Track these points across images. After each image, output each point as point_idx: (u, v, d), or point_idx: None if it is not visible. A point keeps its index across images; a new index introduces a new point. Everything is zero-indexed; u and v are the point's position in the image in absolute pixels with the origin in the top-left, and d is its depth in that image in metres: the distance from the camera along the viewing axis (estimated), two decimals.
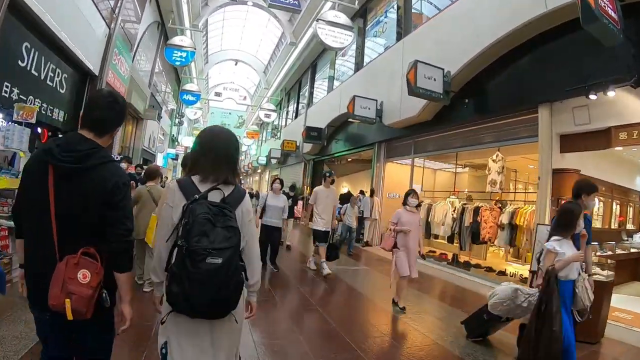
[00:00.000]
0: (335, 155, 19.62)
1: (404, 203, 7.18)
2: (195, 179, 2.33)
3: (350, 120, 13.52)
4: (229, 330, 2.34)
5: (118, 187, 2.23)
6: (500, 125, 9.77)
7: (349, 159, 20.99)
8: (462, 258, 11.15)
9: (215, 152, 2.38)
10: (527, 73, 8.63)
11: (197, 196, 2.19)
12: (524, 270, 9.30)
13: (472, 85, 10.05)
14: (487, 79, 9.69)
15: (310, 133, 18.68)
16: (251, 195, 28.55)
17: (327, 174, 9.67)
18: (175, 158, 32.18)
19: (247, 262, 2.34)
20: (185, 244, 2.03)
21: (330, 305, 7.31)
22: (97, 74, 11.53)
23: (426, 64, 9.42)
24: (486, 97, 9.81)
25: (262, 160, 36.27)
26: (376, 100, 13.02)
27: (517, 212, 9.42)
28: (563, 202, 8.22)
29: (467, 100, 10.11)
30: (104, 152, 2.28)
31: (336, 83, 19.68)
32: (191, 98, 25.69)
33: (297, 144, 23.62)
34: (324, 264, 9.12)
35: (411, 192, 7.28)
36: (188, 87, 25.86)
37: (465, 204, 10.97)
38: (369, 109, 12.82)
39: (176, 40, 18.14)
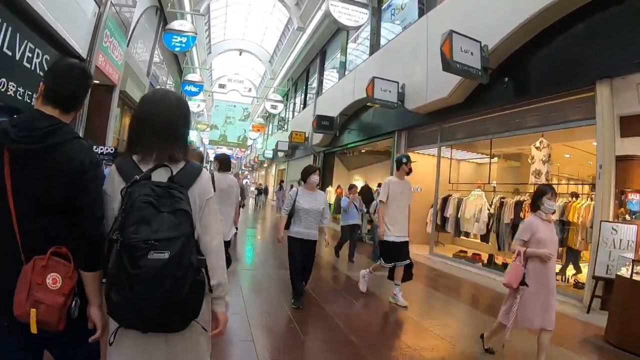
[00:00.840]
0: (349, 146, 18.33)
1: (536, 208, 4.41)
2: (135, 158, 1.96)
3: (369, 104, 12.11)
4: (191, 347, 1.95)
5: (85, 166, 1.90)
6: (546, 107, 8.47)
7: (362, 150, 19.70)
8: (500, 259, 9.87)
9: (157, 124, 1.98)
10: (581, 45, 7.35)
11: (137, 177, 1.81)
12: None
13: (512, 61, 8.75)
14: (530, 54, 8.39)
15: (321, 122, 17.42)
16: (259, 191, 27.41)
17: (404, 160, 7.00)
18: None
19: (206, 258, 1.92)
20: (120, 237, 1.67)
21: None
22: (85, 57, 10.31)
23: (462, 35, 8.12)
24: (529, 75, 8.50)
25: (269, 153, 35.10)
26: (397, 83, 11.73)
27: (569, 207, 8.14)
28: (629, 194, 7.07)
29: (506, 79, 8.78)
30: (68, 128, 1.98)
31: (348, 69, 18.33)
32: (193, 89, 24.51)
33: (306, 135, 22.36)
34: (399, 293, 6.65)
35: (548, 190, 4.34)
36: (190, 77, 24.65)
37: (502, 197, 9.70)
38: (390, 92, 11.53)
39: (175, 24, 16.95)
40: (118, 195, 1.82)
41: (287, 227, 6.16)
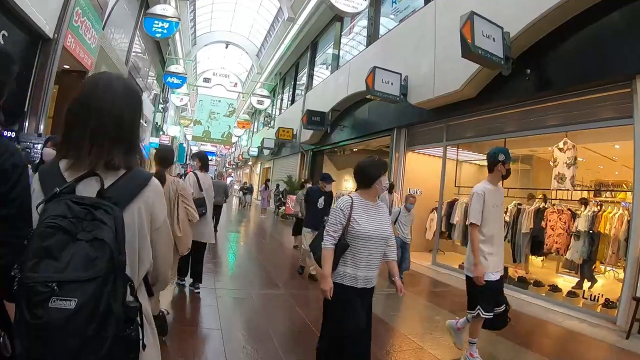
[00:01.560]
0: (340, 144, 17.25)
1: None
2: (63, 164, 1.45)
3: (369, 97, 10.95)
4: None
5: (5, 171, 1.42)
6: (572, 104, 7.49)
7: (354, 149, 18.63)
8: (515, 272, 8.86)
9: (92, 118, 1.43)
10: (618, 35, 6.38)
11: (57, 189, 1.31)
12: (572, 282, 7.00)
13: (536, 52, 7.71)
14: (556, 44, 7.37)
15: (312, 118, 16.33)
16: (244, 191, 26.13)
17: (501, 157, 4.48)
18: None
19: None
20: (18, 274, 1.22)
21: None
22: (51, 36, 9.13)
23: (484, 18, 7.07)
24: (554, 67, 7.45)
25: (254, 151, 33.95)
26: (400, 75, 10.66)
27: (599, 217, 7.17)
28: None
29: (528, 71, 7.76)
30: None
31: (342, 62, 17.23)
32: (176, 81, 23.32)
33: (294, 132, 21.25)
34: (476, 353, 4.49)
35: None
36: (173, 68, 23.40)
37: (519, 204, 8.71)
38: (392, 84, 10.45)
39: (157, 9, 15.74)
40: (36, 213, 1.35)
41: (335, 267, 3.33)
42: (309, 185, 11.31)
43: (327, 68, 19.55)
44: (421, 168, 12.36)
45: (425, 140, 11.65)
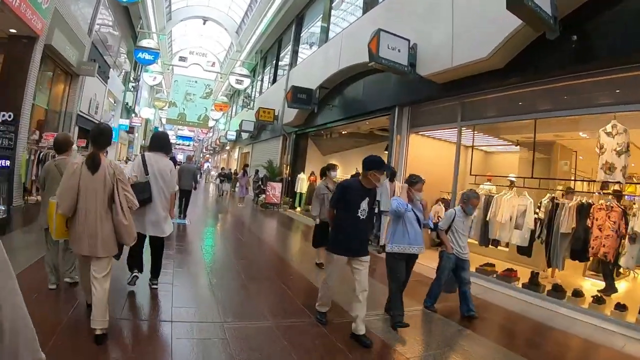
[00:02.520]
0: (328, 125, 15.57)
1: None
2: None
3: (372, 66, 9.05)
4: None
5: None
6: (626, 80, 5.98)
7: (343, 132, 17.02)
8: (547, 279, 7.41)
9: None
10: None
11: None
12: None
13: (584, 15, 6.17)
14: (612, 5, 5.84)
15: (297, 95, 14.59)
16: (222, 178, 23.90)
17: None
18: (131, 131, 27.63)
19: None
20: None
21: None
22: None
23: None
24: (608, 34, 5.92)
25: (232, 135, 32.08)
26: (408, 41, 9.01)
27: None
28: None
29: (574, 37, 6.23)
30: None
31: (332, 34, 15.51)
32: (148, 57, 21.39)
33: (276, 113, 19.51)
34: None
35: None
36: (145, 43, 21.39)
37: (554, 197, 7.24)
38: (399, 51, 8.76)
39: None
40: None
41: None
42: (333, 173, 8.03)
43: (311, 47, 17.86)
44: (426, 153, 10.84)
45: (433, 121, 10.07)
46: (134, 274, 5.26)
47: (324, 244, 6.37)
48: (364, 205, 4.58)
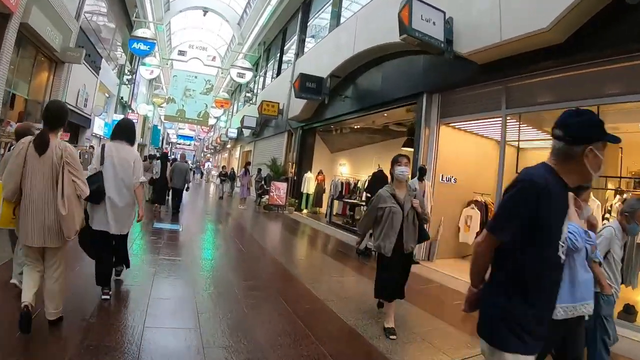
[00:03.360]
0: (339, 119, 14.06)
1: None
2: None
3: (404, 40, 7.36)
4: None
5: None
6: None
7: (355, 126, 15.48)
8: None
9: None
10: None
11: None
12: None
13: None
14: None
15: (306, 84, 13.08)
16: (222, 178, 22.17)
17: None
18: None
19: None
20: None
21: None
22: None
23: None
24: None
25: (233, 132, 30.59)
26: (443, 13, 7.49)
27: None
28: None
29: None
30: None
31: (343, 19, 13.99)
32: (143, 47, 19.98)
33: (280, 107, 18.03)
34: None
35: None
36: (140, 33, 19.96)
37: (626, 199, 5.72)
38: (434, 24, 7.19)
39: None
40: None
41: None
42: (400, 170, 4.67)
43: (318, 36, 16.43)
44: (456, 148, 9.36)
45: (470, 109, 8.45)
46: (104, 295, 4.46)
47: (398, 294, 4.64)
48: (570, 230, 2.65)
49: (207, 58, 27.77)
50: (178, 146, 70.42)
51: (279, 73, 21.38)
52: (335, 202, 14.68)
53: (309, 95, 13.02)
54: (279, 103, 17.91)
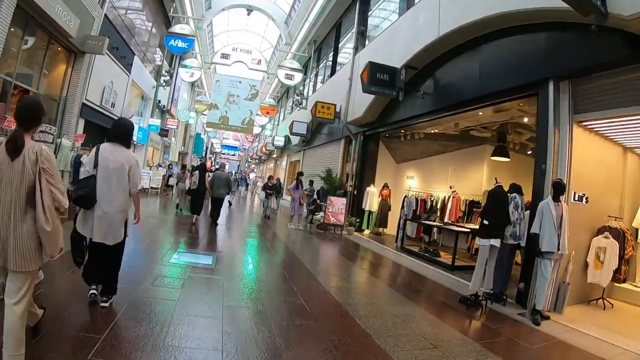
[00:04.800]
0: (414, 121, 11.38)
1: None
2: None
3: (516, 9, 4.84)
4: None
5: None
6: None
7: (433, 130, 12.64)
8: None
9: None
10: None
11: None
12: None
13: None
14: None
15: (376, 75, 10.28)
16: (269, 191, 17.31)
17: None
18: (164, 134, 24.10)
19: None
20: None
21: None
22: None
23: None
24: None
25: (279, 141, 28.18)
26: None
27: None
28: None
29: None
30: None
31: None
32: (181, 45, 17.72)
33: (337, 110, 15.36)
34: None
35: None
36: (178, 29, 17.76)
37: None
38: None
39: None
40: None
41: None
42: None
43: (380, 26, 13.77)
44: (592, 157, 6.64)
45: (614, 102, 5.80)
46: (91, 290, 4.28)
47: None
48: None
49: (252, 62, 25.48)
50: (222, 156, 69.19)
51: (332, 73, 18.76)
52: (408, 224, 11.90)
53: (380, 89, 10.25)
54: (335, 105, 15.24)
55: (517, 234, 6.76)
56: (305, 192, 14.95)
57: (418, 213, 12.02)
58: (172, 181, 20.27)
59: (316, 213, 15.31)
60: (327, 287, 6.50)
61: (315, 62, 22.98)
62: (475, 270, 6.69)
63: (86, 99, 11.97)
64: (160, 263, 6.43)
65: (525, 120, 9.86)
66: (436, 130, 12.47)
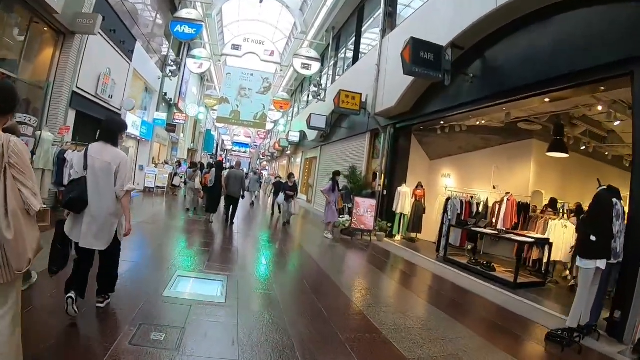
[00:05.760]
0: (457, 110, 9.77)
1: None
2: None
3: None
4: None
5: None
6: None
7: (479, 122, 10.94)
8: None
9: None
10: None
11: None
12: None
13: None
14: None
15: (420, 53, 8.46)
16: (288, 193, 14.23)
17: None
18: (172, 129, 22.52)
19: None
20: None
21: None
22: None
23: None
24: None
25: (294, 136, 26.52)
26: None
27: None
28: None
29: None
30: None
31: None
32: (188, 30, 16.28)
33: (363, 99, 13.61)
34: None
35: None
36: (184, 14, 16.22)
37: None
38: None
39: None
40: None
41: None
42: None
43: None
44: None
45: None
46: (69, 295, 3.75)
47: None
48: None
49: (265, 53, 23.84)
50: (233, 153, 67.82)
51: (355, 60, 16.98)
52: (452, 230, 10.21)
53: (424, 70, 8.48)
54: (360, 94, 13.50)
55: (617, 251, 5.10)
56: (342, 192, 12.94)
57: (463, 218, 10.30)
58: (177, 180, 18.69)
59: (341, 216, 13.64)
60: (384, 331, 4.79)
61: (333, 51, 21.17)
62: (577, 299, 5.09)
63: (78, 87, 10.38)
64: (150, 298, 4.69)
65: (599, 108, 8.14)
66: (483, 122, 10.75)
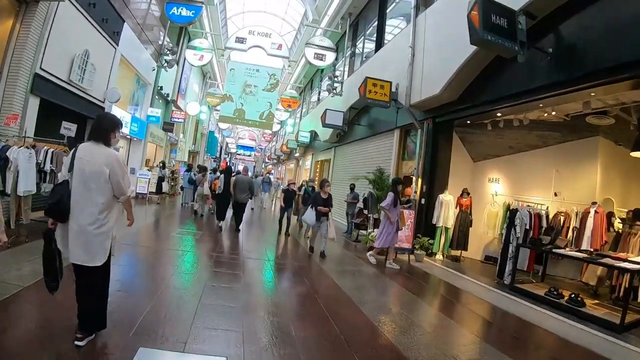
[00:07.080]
0: (525, 98, 7.57)
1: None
2: None
3: None
4: None
5: None
6: None
7: (547, 114, 8.76)
8: None
9: None
10: None
11: None
12: None
13: None
14: None
15: (491, 16, 6.05)
16: (323, 209, 11.14)
17: None
18: (168, 127, 20.35)
19: None
20: None
21: None
22: None
23: None
24: None
25: (304, 136, 24.33)
26: None
27: None
28: None
29: None
30: None
31: None
32: (186, 13, 14.24)
33: (393, 89, 11.34)
34: None
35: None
36: None
37: None
38: None
39: None
40: None
41: None
42: None
43: None
44: None
45: None
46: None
47: None
48: None
49: (271, 46, 21.68)
50: (238, 156, 65.81)
51: (379, 46, 14.71)
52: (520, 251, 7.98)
53: (499, 39, 6.17)
54: (390, 82, 11.25)
55: None
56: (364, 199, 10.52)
57: (532, 234, 8.05)
58: (165, 187, 16.41)
59: (360, 226, 11.43)
60: None
61: (350, 40, 18.88)
62: None
63: (42, 69, 8.20)
64: None
65: None
66: (554, 113, 8.55)
